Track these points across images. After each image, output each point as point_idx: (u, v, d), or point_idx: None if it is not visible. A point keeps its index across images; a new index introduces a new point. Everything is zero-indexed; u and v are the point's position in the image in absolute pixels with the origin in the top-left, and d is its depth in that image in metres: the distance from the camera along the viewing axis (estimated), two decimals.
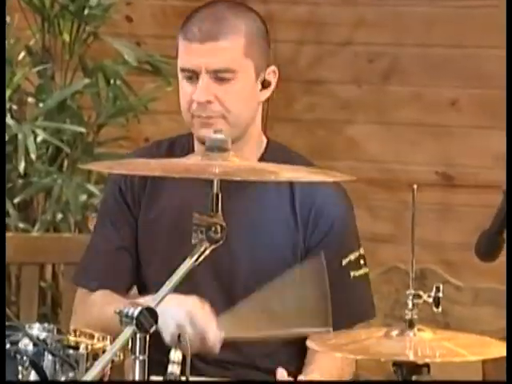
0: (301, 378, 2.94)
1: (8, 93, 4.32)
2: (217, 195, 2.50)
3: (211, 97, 3.12)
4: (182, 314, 2.71)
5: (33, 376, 2.49)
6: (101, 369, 2.43)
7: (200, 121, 3.14)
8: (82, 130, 4.29)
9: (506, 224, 2.82)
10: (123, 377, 2.94)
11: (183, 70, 3.15)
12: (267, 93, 3.22)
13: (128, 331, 2.40)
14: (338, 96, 4.37)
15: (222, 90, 3.14)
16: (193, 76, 3.13)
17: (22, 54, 4.41)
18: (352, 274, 3.20)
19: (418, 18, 4.43)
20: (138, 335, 2.37)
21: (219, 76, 3.14)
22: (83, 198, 4.21)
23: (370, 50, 4.35)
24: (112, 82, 4.31)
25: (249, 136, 3.22)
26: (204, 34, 3.16)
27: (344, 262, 3.18)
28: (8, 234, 3.95)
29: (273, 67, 3.22)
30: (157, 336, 2.49)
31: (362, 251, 3.22)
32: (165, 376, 2.56)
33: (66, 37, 4.28)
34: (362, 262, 3.16)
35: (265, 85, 3.25)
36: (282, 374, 2.89)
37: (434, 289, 2.65)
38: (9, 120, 4.30)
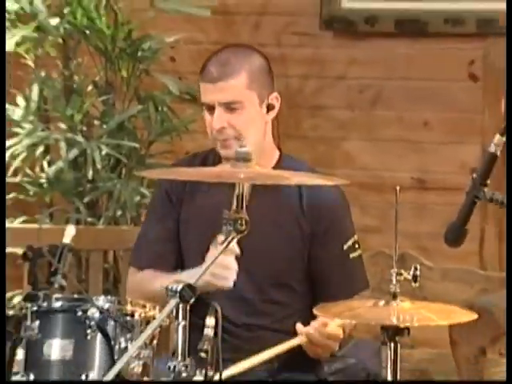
0: (312, 323, 2.99)
1: (79, 117, 4.22)
2: (242, 195, 2.60)
3: (225, 124, 3.18)
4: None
5: (99, 337, 2.53)
6: (151, 332, 2.55)
7: (219, 143, 3.20)
8: (136, 145, 4.24)
9: (506, 225, 3.36)
10: (169, 338, 3.06)
11: (203, 104, 3.24)
12: (272, 114, 3.25)
13: (173, 302, 2.47)
14: (336, 118, 4.35)
15: (233, 117, 3.19)
16: (210, 108, 3.18)
17: (90, 87, 4.32)
18: (351, 255, 3.25)
19: (400, 57, 4.39)
20: (180, 305, 2.45)
21: (229, 106, 3.19)
22: (137, 198, 4.17)
23: (360, 82, 4.33)
24: (160, 108, 4.23)
25: (262, 150, 3.21)
26: (214, 76, 3.22)
27: (345, 247, 3.22)
28: (79, 227, 3.89)
29: (275, 93, 3.25)
30: (195, 306, 2.46)
31: (356, 237, 3.27)
32: (202, 337, 2.46)
33: (124, 73, 4.22)
34: (357, 245, 3.22)
35: (269, 108, 3.26)
36: (299, 327, 2.98)
37: (413, 268, 2.70)
38: (80, 138, 4.20)
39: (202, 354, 2.61)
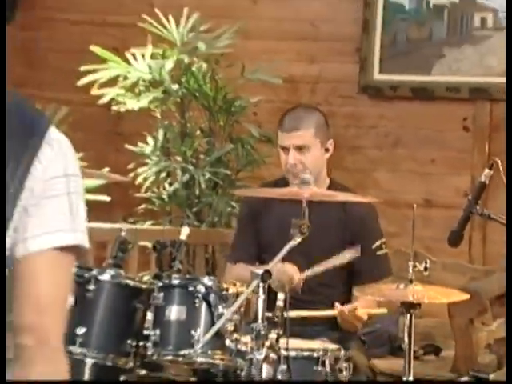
0: (347, 305, 3.06)
1: (190, 152, 4.23)
2: (305, 208, 2.77)
3: (297, 161, 3.23)
4: (279, 269, 2.71)
5: (204, 305, 2.65)
6: (240, 303, 2.67)
7: (291, 175, 3.24)
8: (229, 172, 4.25)
9: (506, 228, 3.02)
10: (251, 307, 3.00)
11: (280, 147, 3.30)
12: (328, 155, 3.34)
13: (255, 282, 2.61)
14: (369, 156, 4.39)
15: (303, 156, 3.25)
16: (286, 149, 3.25)
17: (198, 131, 4.31)
18: (378, 252, 3.28)
19: (414, 113, 4.39)
20: (260, 284, 2.58)
21: (301, 149, 3.24)
22: (229, 209, 4.19)
23: (386, 130, 4.34)
24: (245, 147, 4.24)
25: (320, 178, 3.28)
26: (290, 127, 3.29)
27: (374, 246, 3.24)
28: (190, 228, 3.73)
29: (331, 140, 3.34)
30: (270, 287, 2.65)
31: (383, 239, 3.30)
32: (275, 307, 2.62)
33: (221, 122, 4.26)
34: (383, 245, 3.25)
35: (327, 150, 3.35)
36: (337, 305, 3.03)
37: (424, 262, 2.76)
38: (190, 167, 4.20)
39: (275, 319, 2.76)
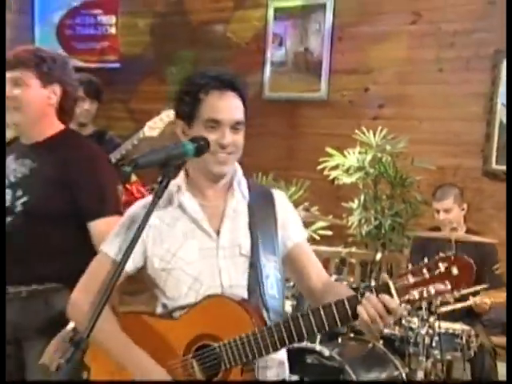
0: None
1: (379, 208, 4.25)
2: (453, 245, 2.69)
3: (446, 218, 3.18)
4: None
5: None
6: None
7: (443, 226, 3.15)
8: (402, 221, 4.22)
9: (506, 229, 3.05)
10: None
11: (435, 210, 3.17)
12: (463, 212, 3.30)
13: None
14: None
15: (450, 215, 3.20)
16: (437, 211, 3.17)
17: (384, 196, 4.32)
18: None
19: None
20: None
21: (447, 211, 3.23)
22: (401, 242, 4.17)
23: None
24: (412, 206, 4.25)
25: (459, 226, 3.25)
26: (439, 197, 3.32)
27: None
28: (379, 254, 3.75)
29: (464, 204, 3.29)
30: None
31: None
32: None
33: (398, 191, 4.31)
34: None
35: (463, 209, 3.37)
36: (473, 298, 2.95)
37: None
38: (379, 216, 4.19)
39: (433, 310, 2.94)
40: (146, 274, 1.57)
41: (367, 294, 1.28)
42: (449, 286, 1.21)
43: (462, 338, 3.05)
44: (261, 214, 1.49)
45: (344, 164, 4.34)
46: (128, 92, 5.85)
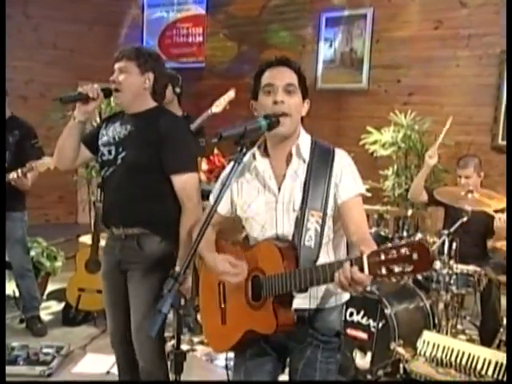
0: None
1: (405, 173, 4.06)
2: (469, 210, 2.49)
3: (466, 183, 2.84)
4: None
5: None
6: None
7: (463, 191, 2.73)
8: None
9: (506, 228, 2.51)
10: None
11: (458, 175, 2.86)
12: (480, 179, 2.98)
13: None
14: None
15: (470, 180, 2.84)
16: (460, 177, 2.87)
17: (411, 164, 4.07)
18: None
19: None
20: None
21: (467, 177, 2.89)
22: None
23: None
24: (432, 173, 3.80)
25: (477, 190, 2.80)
26: (462, 165, 2.95)
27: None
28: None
29: (482, 172, 2.95)
30: None
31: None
32: None
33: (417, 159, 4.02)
34: None
35: (479, 176, 3.00)
36: (499, 216, 2.63)
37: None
38: (403, 178, 4.02)
39: (451, 256, 2.69)
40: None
41: (345, 264, 1.21)
42: (409, 269, 1.11)
43: (474, 277, 2.89)
44: (317, 173, 1.41)
45: (381, 140, 4.22)
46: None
